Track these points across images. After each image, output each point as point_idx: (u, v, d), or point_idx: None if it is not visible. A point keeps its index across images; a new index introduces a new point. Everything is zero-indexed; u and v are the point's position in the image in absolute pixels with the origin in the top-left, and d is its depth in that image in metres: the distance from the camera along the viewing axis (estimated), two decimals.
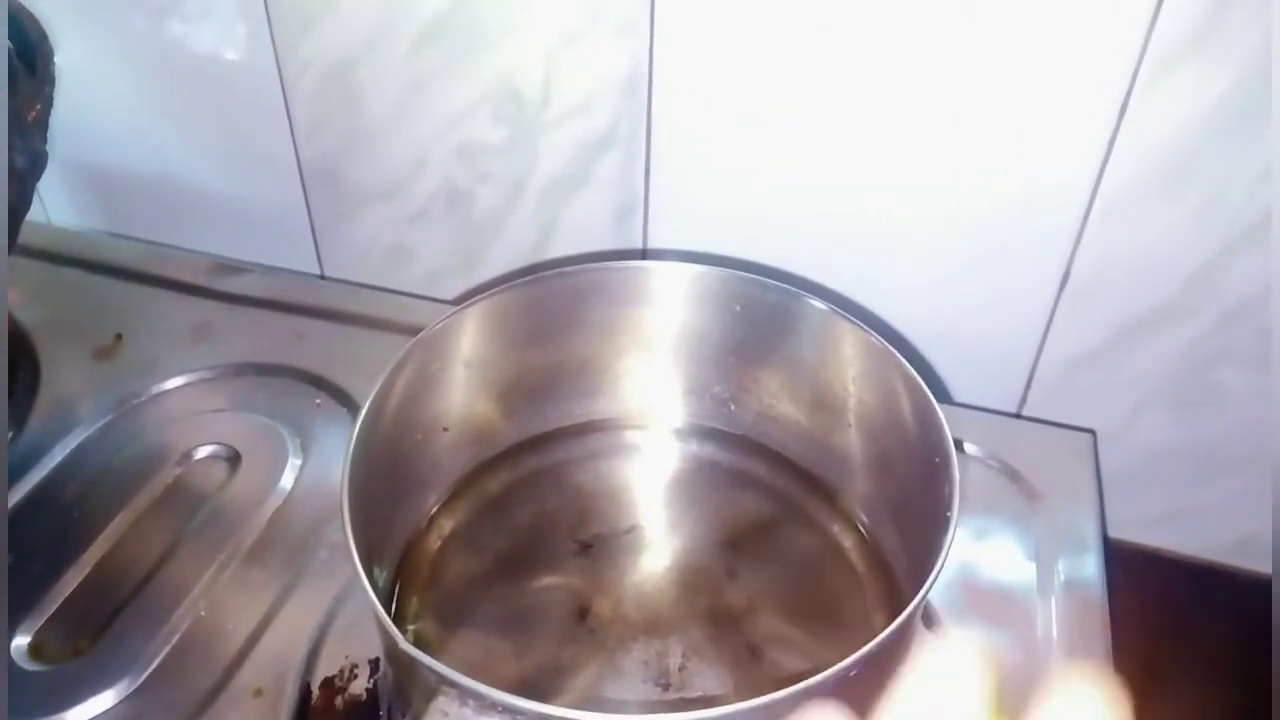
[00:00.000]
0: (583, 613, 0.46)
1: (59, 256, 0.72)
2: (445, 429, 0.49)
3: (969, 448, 0.58)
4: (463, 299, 0.47)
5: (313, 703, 0.46)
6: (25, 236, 0.57)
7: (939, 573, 0.35)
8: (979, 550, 0.53)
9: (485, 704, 0.32)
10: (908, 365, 0.42)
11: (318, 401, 0.61)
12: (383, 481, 0.44)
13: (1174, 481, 0.62)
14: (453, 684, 0.32)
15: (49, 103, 0.50)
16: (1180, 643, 0.60)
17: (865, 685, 0.36)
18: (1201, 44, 0.49)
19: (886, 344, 0.43)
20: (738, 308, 0.48)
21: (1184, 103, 0.50)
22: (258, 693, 0.47)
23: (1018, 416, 0.63)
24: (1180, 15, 0.48)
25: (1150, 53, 0.49)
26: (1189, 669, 0.59)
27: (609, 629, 0.46)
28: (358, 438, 0.41)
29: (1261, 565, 0.62)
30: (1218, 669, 0.59)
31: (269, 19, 0.64)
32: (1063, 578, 0.51)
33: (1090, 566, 0.52)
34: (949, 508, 0.37)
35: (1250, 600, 0.62)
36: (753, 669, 0.44)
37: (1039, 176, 0.55)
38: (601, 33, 0.58)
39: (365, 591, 0.36)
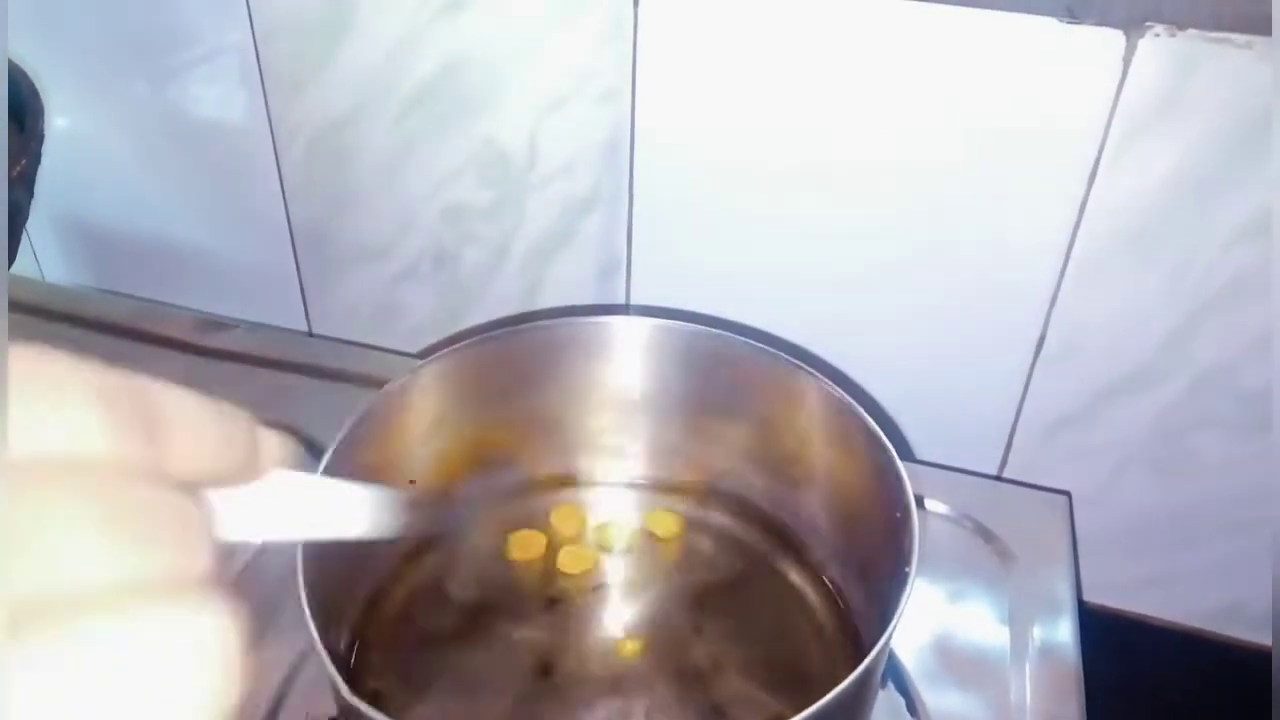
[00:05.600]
0: (547, 670, 0.46)
1: (48, 312, 0.72)
2: (411, 482, 0.49)
3: (943, 508, 0.57)
4: (431, 353, 0.47)
5: None
6: (16, 292, 0.58)
7: (895, 627, 0.35)
8: (953, 612, 0.52)
9: None
10: (868, 418, 0.42)
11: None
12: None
13: (1154, 547, 0.61)
14: None
15: (35, 159, 0.51)
16: (1161, 712, 0.58)
17: None
18: (1165, 114, 0.49)
19: (847, 397, 0.43)
20: (709, 364, 0.48)
21: (1150, 171, 0.51)
22: None
23: (998, 479, 0.63)
24: (1144, 86, 0.49)
25: (1116, 123, 0.50)
26: None
27: (573, 687, 0.45)
28: None
29: (1242, 633, 0.61)
30: None
31: (263, 83, 0.65)
32: (1037, 641, 0.51)
33: (1064, 630, 0.51)
34: (908, 562, 0.36)
35: (1232, 668, 0.61)
36: None
37: (1012, 245, 0.55)
38: (586, 98, 0.59)
39: (314, 643, 0.35)
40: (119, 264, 0.78)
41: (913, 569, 0.36)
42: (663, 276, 0.64)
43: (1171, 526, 0.60)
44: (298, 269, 0.73)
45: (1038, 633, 0.51)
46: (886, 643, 0.35)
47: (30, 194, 0.51)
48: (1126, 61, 0.49)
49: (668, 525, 0.52)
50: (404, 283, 0.70)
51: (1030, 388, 0.59)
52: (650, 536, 0.52)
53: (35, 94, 0.53)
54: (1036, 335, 0.58)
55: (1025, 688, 0.49)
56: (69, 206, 0.76)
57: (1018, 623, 0.52)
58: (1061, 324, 0.57)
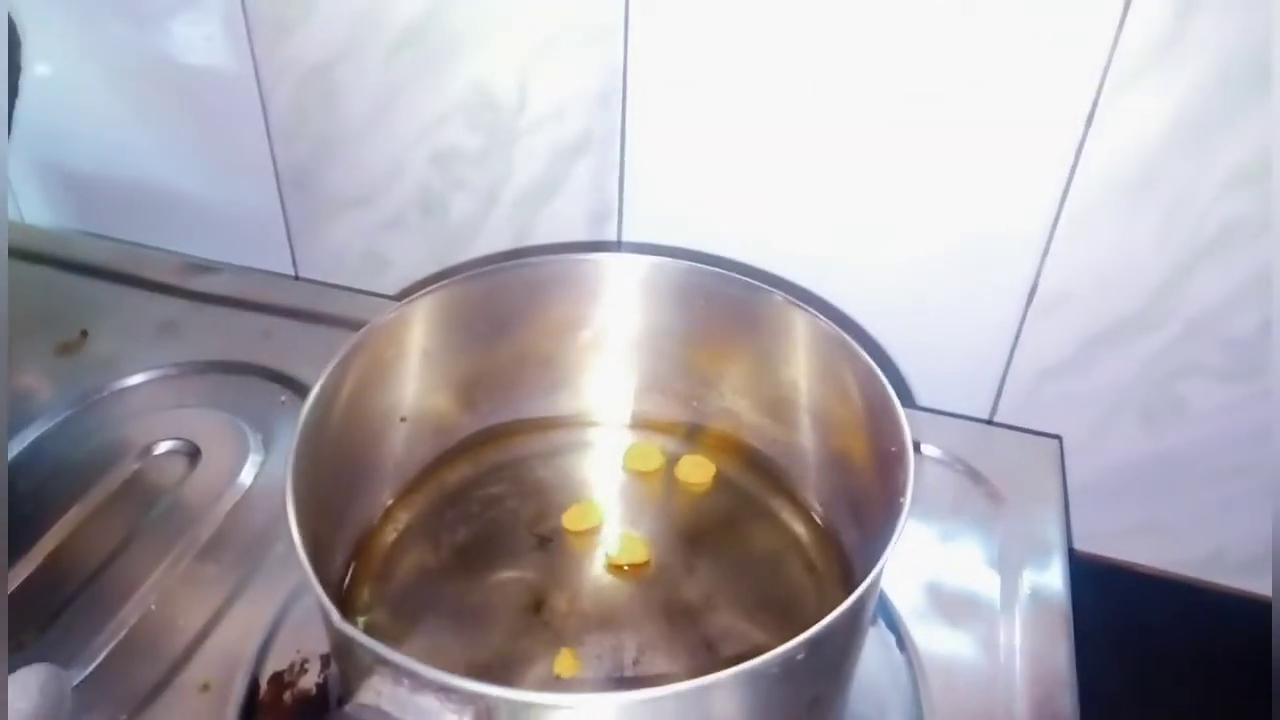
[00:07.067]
0: (538, 606, 0.46)
1: (29, 254, 0.71)
2: (402, 419, 0.48)
3: (935, 451, 0.57)
4: (419, 288, 0.46)
5: (260, 697, 0.45)
6: None
7: (890, 554, 0.34)
8: (944, 554, 0.53)
9: (419, 683, 0.31)
10: (863, 353, 0.41)
11: (283, 399, 0.60)
12: (334, 469, 0.43)
13: (1142, 494, 0.61)
14: (386, 661, 0.32)
15: (15, 91, 0.50)
16: (1147, 658, 0.59)
17: (814, 670, 0.35)
18: (1164, 57, 0.49)
19: (841, 332, 0.42)
20: (702, 301, 0.48)
21: (1148, 115, 0.51)
22: (204, 687, 0.46)
23: (989, 424, 0.63)
24: (1144, 29, 0.48)
25: (1115, 66, 0.50)
26: (1156, 683, 0.58)
27: (564, 623, 0.45)
28: (304, 424, 0.40)
29: (1227, 579, 0.62)
30: (1185, 684, 0.59)
31: (248, 25, 0.64)
32: (1027, 583, 0.51)
33: (1054, 572, 0.51)
34: (902, 494, 0.36)
35: (1218, 615, 0.62)
36: (707, 664, 0.43)
37: (1007, 191, 0.55)
38: (576, 39, 0.58)
39: (304, 570, 0.35)
40: (102, 207, 0.77)
41: (907, 499, 0.36)
42: (655, 223, 0.64)
43: (1159, 474, 0.60)
44: (284, 215, 0.72)
45: (1028, 574, 0.51)
46: (880, 570, 0.35)
47: (9, 126, 0.50)
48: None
49: (700, 473, 0.52)
50: (391, 229, 0.69)
51: (1022, 334, 0.59)
52: (680, 484, 0.52)
53: (11, 25, 0.52)
54: (1029, 281, 0.57)
55: (1015, 628, 0.49)
56: (51, 150, 0.75)
57: (1008, 565, 0.52)
58: (1055, 270, 0.57)
